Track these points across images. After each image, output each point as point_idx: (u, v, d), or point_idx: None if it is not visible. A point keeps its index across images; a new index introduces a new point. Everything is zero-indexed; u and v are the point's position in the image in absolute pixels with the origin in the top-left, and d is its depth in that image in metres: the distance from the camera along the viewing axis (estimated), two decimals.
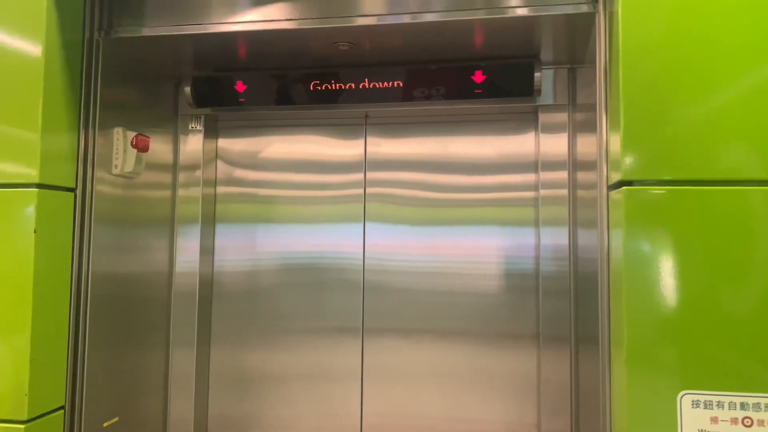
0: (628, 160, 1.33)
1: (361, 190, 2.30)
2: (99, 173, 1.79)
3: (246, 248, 2.36)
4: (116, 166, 1.86)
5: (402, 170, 2.28)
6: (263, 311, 2.32)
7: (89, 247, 1.75)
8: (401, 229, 2.26)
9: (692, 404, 1.25)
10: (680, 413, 1.26)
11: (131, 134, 1.90)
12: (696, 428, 1.25)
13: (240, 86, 2.11)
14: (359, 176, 2.30)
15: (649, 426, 1.27)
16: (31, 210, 1.57)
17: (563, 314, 2.04)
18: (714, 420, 1.24)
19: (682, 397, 1.26)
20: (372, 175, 2.30)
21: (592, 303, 1.58)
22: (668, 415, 1.26)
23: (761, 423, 1.23)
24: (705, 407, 1.25)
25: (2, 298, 1.56)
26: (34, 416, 1.56)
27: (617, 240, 1.36)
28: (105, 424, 1.84)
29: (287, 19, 1.71)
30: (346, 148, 2.33)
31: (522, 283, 2.15)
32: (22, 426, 1.53)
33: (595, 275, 1.51)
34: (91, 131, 1.77)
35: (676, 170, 1.31)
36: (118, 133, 1.86)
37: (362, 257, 2.27)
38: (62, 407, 1.68)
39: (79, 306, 1.73)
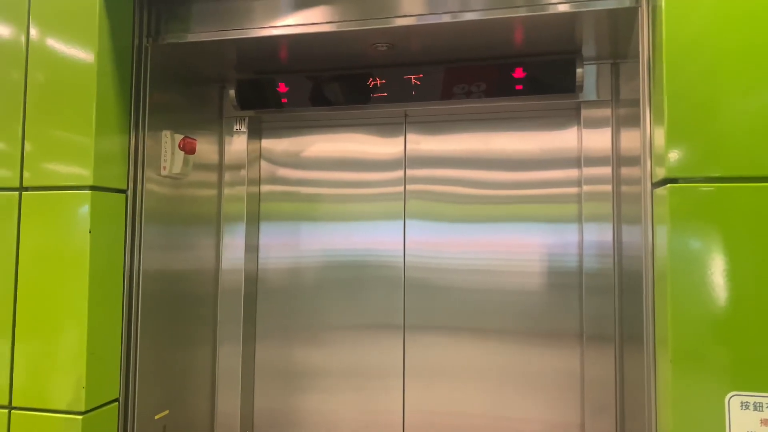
0: (673, 157, 1.31)
1: (402, 188, 2.31)
2: (148, 174, 1.86)
3: (289, 245, 2.40)
4: (164, 168, 1.92)
5: (442, 167, 2.28)
6: (306, 308, 2.36)
7: (140, 246, 1.82)
8: (441, 226, 2.27)
9: (741, 406, 1.22)
10: (728, 415, 1.23)
11: (179, 137, 1.96)
12: (745, 430, 1.22)
13: (282, 88, 2.15)
14: (399, 174, 2.32)
15: (696, 427, 1.25)
16: (86, 211, 1.64)
17: (607, 312, 2.02)
18: (764, 422, 1.21)
19: (730, 398, 1.23)
20: (412, 172, 2.31)
21: (637, 301, 1.56)
22: (716, 416, 1.24)
23: None
24: (755, 409, 1.22)
25: (61, 296, 1.64)
26: (91, 408, 1.64)
27: (662, 238, 1.34)
28: (156, 417, 1.91)
29: (327, 22, 1.73)
30: (386, 146, 2.34)
31: (565, 281, 2.13)
32: (80, 417, 1.60)
33: (640, 273, 1.49)
34: (140, 134, 1.84)
35: (722, 167, 1.28)
36: (166, 135, 1.93)
37: (403, 254, 2.29)
38: (116, 399, 1.75)
39: (131, 303, 1.80)
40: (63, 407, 1.62)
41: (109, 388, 1.72)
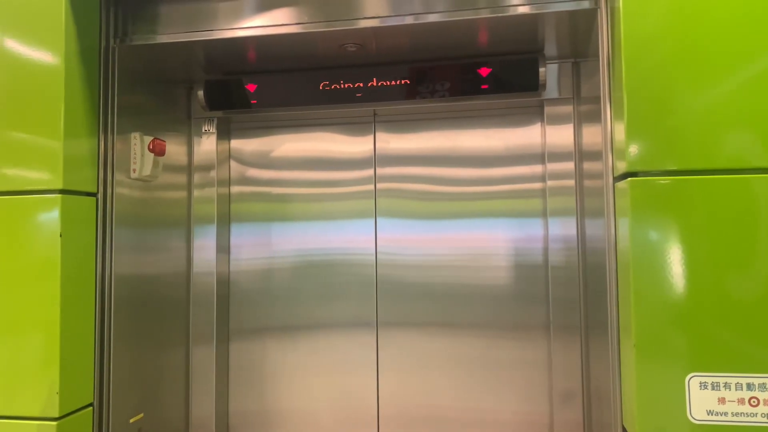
0: (633, 151, 1.36)
1: (372, 186, 2.34)
2: (118, 177, 1.84)
3: (261, 246, 2.40)
4: (134, 171, 1.91)
5: (411, 165, 2.32)
6: (279, 308, 2.36)
7: (111, 249, 1.81)
8: (412, 223, 2.30)
9: (700, 386, 1.29)
10: (688, 395, 1.29)
11: (148, 139, 1.95)
12: (704, 409, 1.29)
13: (251, 89, 2.16)
14: (369, 172, 2.34)
15: (659, 409, 1.31)
16: (56, 215, 1.62)
17: (573, 303, 2.08)
18: (721, 401, 1.28)
19: (690, 379, 1.30)
20: (382, 170, 2.34)
21: (601, 292, 1.62)
22: (677, 397, 1.30)
23: (767, 402, 1.27)
24: (712, 388, 1.28)
25: (33, 301, 1.62)
26: (65, 413, 1.62)
27: (624, 229, 1.40)
28: (131, 420, 1.90)
29: (295, 23, 1.75)
30: (356, 145, 2.36)
31: (532, 274, 2.18)
32: (54, 423, 1.59)
33: (603, 264, 1.54)
34: (110, 136, 1.82)
35: (680, 160, 1.34)
36: (135, 138, 1.91)
37: (374, 252, 2.31)
38: (91, 404, 1.74)
39: (104, 306, 1.79)
40: (36, 414, 1.60)
41: (83, 393, 1.71)
